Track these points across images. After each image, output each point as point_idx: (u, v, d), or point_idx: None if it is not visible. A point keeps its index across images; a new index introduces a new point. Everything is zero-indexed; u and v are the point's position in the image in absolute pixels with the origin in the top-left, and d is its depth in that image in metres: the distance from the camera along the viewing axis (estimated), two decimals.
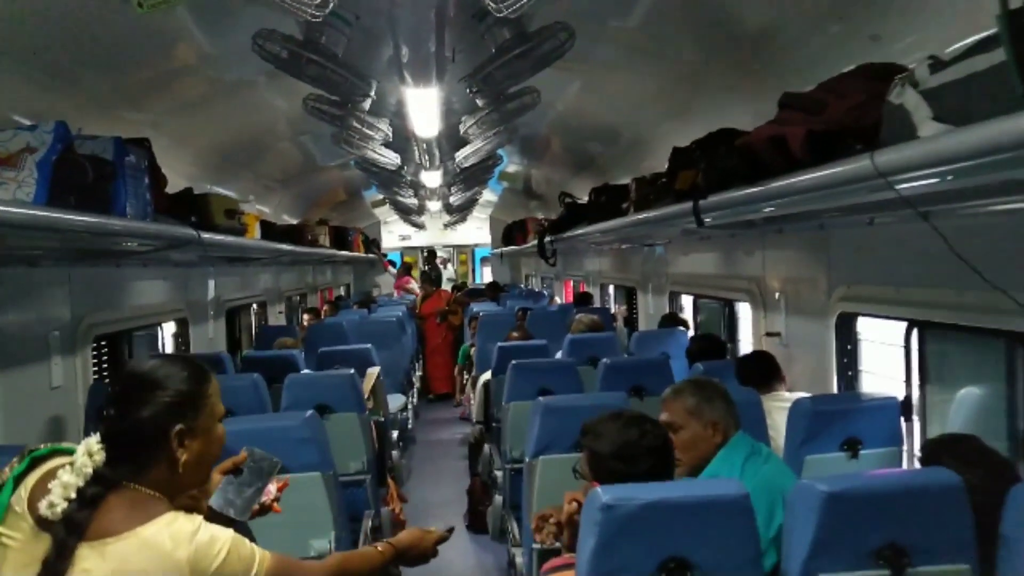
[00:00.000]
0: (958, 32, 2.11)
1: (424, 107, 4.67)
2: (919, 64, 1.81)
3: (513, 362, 4.04)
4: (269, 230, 5.97)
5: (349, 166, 7.32)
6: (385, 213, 13.38)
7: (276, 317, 8.47)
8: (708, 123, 3.39)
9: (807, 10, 2.89)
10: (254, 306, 7.92)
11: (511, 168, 8.87)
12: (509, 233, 11.93)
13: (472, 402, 6.21)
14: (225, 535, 1.42)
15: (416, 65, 3.76)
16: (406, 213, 12.23)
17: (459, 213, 12.55)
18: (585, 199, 6.10)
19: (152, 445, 1.45)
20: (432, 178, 8.15)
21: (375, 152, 5.48)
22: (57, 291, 3.66)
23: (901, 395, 2.93)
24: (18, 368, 3.30)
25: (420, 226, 14.26)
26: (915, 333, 2.93)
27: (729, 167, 2.61)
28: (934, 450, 1.92)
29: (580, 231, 5.77)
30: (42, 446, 1.52)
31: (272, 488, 1.77)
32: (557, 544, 2.28)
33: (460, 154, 5.79)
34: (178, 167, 4.55)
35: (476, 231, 15.30)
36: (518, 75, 3.70)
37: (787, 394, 3.27)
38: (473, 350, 7.38)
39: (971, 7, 2.20)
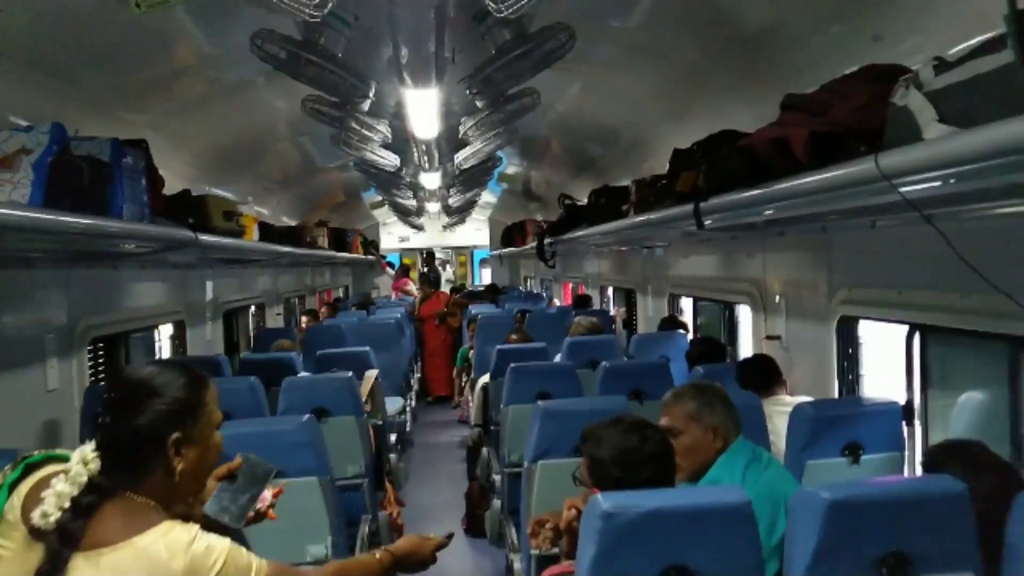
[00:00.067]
0: (961, 33, 2.08)
1: (423, 108, 4.65)
2: (923, 65, 1.79)
3: (512, 365, 4.01)
4: (267, 232, 5.95)
5: (348, 167, 7.30)
6: (384, 215, 13.36)
7: (274, 319, 8.45)
8: (709, 124, 3.37)
9: (808, 11, 2.87)
10: (252, 308, 7.89)
11: (510, 170, 8.85)
12: (508, 235, 11.91)
13: (470, 405, 6.18)
14: (222, 544, 1.39)
15: (415, 66, 3.74)
16: (405, 215, 12.21)
17: (458, 215, 12.53)
18: (585, 201, 6.08)
19: (148, 453, 1.42)
20: (431, 180, 8.13)
21: (374, 153, 5.46)
22: (53, 293, 3.64)
23: (901, 399, 2.91)
24: (13, 371, 3.28)
25: (419, 228, 14.24)
26: (917, 337, 2.91)
27: (731, 169, 2.59)
28: (938, 456, 1.89)
29: (579, 233, 5.75)
30: (36, 452, 1.50)
31: (267, 494, 1.75)
32: (555, 550, 2.26)
33: (459, 155, 5.77)
34: (176, 168, 4.53)
35: (475, 233, 15.28)
36: (518, 76, 3.68)
37: (788, 398, 3.25)
38: (472, 352, 7.36)
39: (974, 9, 2.19)
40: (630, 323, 7.30)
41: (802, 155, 2.11)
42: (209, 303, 6.02)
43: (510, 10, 2.50)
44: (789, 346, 3.79)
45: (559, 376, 3.98)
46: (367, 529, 3.61)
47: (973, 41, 1.73)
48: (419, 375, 9.77)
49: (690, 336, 5.37)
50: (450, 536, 1.90)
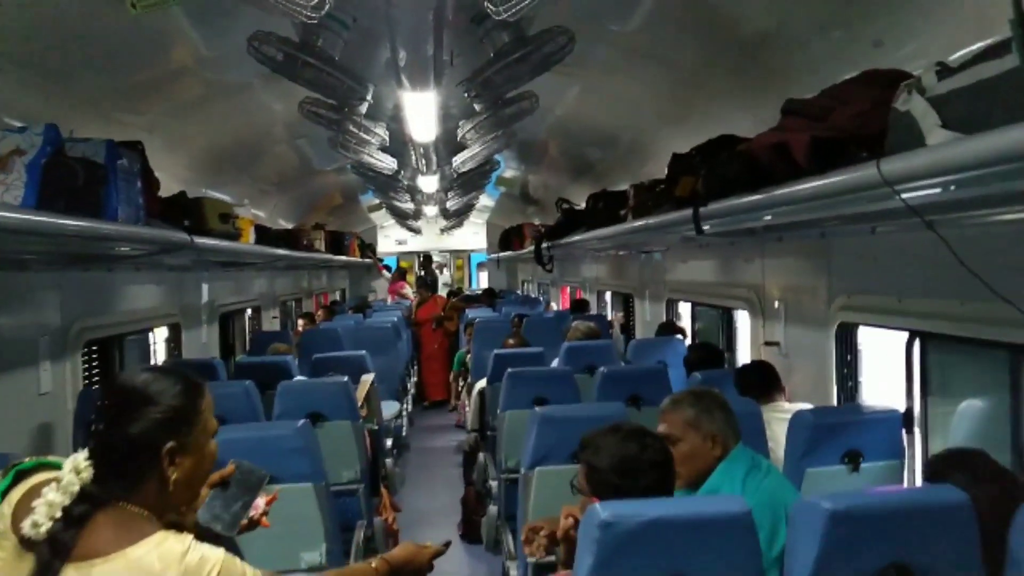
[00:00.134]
0: (962, 39, 2.08)
1: (422, 111, 4.63)
2: (926, 70, 1.77)
3: (509, 370, 3.99)
4: (264, 234, 5.93)
5: (345, 170, 7.28)
6: (381, 218, 13.35)
7: (270, 322, 8.41)
8: (708, 129, 3.36)
9: (809, 16, 2.86)
10: (248, 311, 7.86)
11: (508, 173, 8.84)
12: (506, 238, 11.89)
13: (467, 409, 6.15)
14: (216, 555, 1.36)
15: (414, 69, 3.72)
16: (403, 218, 12.19)
17: (456, 218, 12.51)
18: (583, 205, 6.06)
19: (142, 462, 1.39)
20: (429, 183, 8.11)
21: (372, 156, 5.44)
22: (47, 295, 3.61)
23: (900, 406, 2.89)
24: (5, 374, 3.25)
25: (417, 231, 14.22)
26: (917, 344, 2.89)
27: (730, 174, 2.57)
28: (940, 465, 1.87)
29: (577, 237, 5.73)
30: (27, 459, 1.47)
31: (260, 502, 1.72)
32: (551, 558, 2.23)
33: (457, 159, 5.76)
34: (172, 170, 4.51)
35: (473, 236, 15.26)
36: (517, 79, 3.67)
37: (787, 405, 3.23)
38: (469, 356, 7.33)
39: (975, 14, 2.18)
40: (628, 328, 7.28)
41: (803, 160, 2.09)
42: (205, 306, 5.99)
43: (509, 12, 2.48)
44: (788, 352, 3.77)
45: (556, 381, 3.96)
46: (362, 535, 3.57)
47: (976, 46, 1.72)
48: (415, 379, 9.74)
49: (688, 341, 5.35)
50: (447, 544, 1.88)
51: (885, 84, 2.03)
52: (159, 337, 5.42)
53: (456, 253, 16.33)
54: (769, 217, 2.51)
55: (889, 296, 2.87)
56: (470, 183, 8.14)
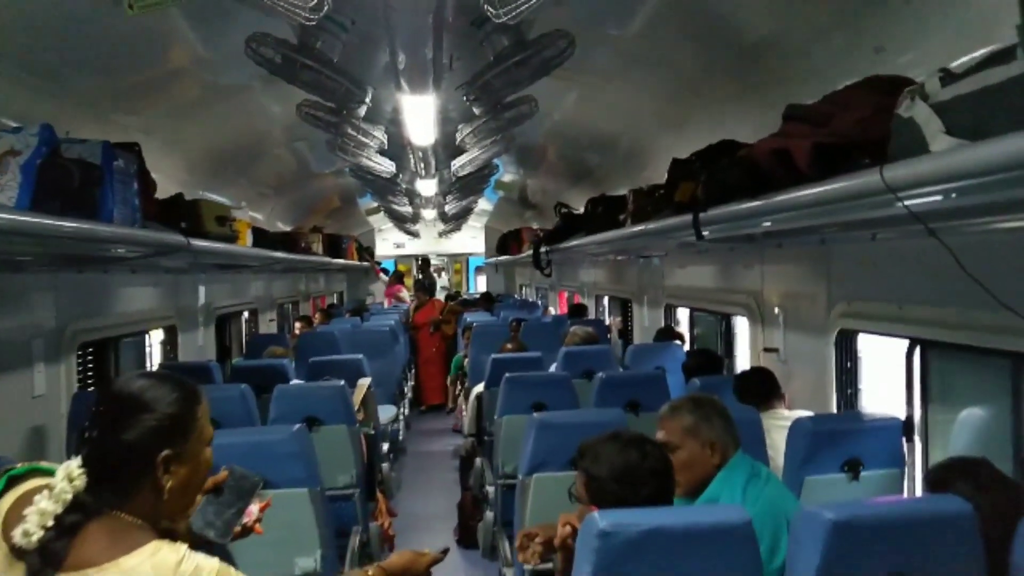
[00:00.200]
0: (964, 45, 2.07)
1: (420, 115, 4.62)
2: (929, 76, 1.76)
3: (507, 375, 3.97)
4: (261, 237, 5.90)
5: (344, 173, 7.26)
6: (380, 221, 13.33)
7: (267, 325, 8.38)
8: (707, 134, 3.34)
9: (809, 21, 2.85)
10: (245, 314, 7.83)
11: (507, 177, 8.83)
12: (504, 243, 11.87)
13: (464, 414, 6.13)
14: (211, 564, 1.34)
15: (413, 72, 3.71)
16: (401, 221, 12.17)
17: (454, 222, 12.50)
18: (581, 210, 6.05)
19: (136, 471, 1.36)
20: (427, 186, 8.10)
21: (370, 160, 5.43)
22: (41, 297, 3.58)
23: (898, 412, 2.88)
24: None
25: (415, 234, 14.20)
26: (917, 351, 2.87)
27: (731, 180, 2.56)
28: (943, 474, 1.85)
29: (576, 242, 5.72)
30: (19, 465, 1.44)
31: (254, 508, 1.69)
32: (548, 564, 2.20)
33: (456, 163, 5.74)
34: (170, 172, 4.49)
35: (471, 240, 15.25)
36: (517, 83, 3.65)
37: (786, 412, 3.22)
38: (466, 361, 7.31)
39: (978, 20, 2.17)
40: (626, 333, 7.27)
41: (805, 166, 2.08)
42: (201, 308, 5.96)
43: (509, 15, 2.46)
44: (787, 359, 3.75)
45: (554, 387, 3.94)
46: (357, 540, 3.55)
47: (980, 52, 1.71)
48: (413, 383, 9.71)
49: (686, 347, 5.33)
50: (445, 551, 1.85)
51: (887, 90, 2.02)
52: (155, 339, 5.39)
53: (454, 257, 16.31)
54: (769, 223, 2.49)
55: (889, 303, 2.86)
56: (468, 187, 8.13)
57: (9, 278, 3.28)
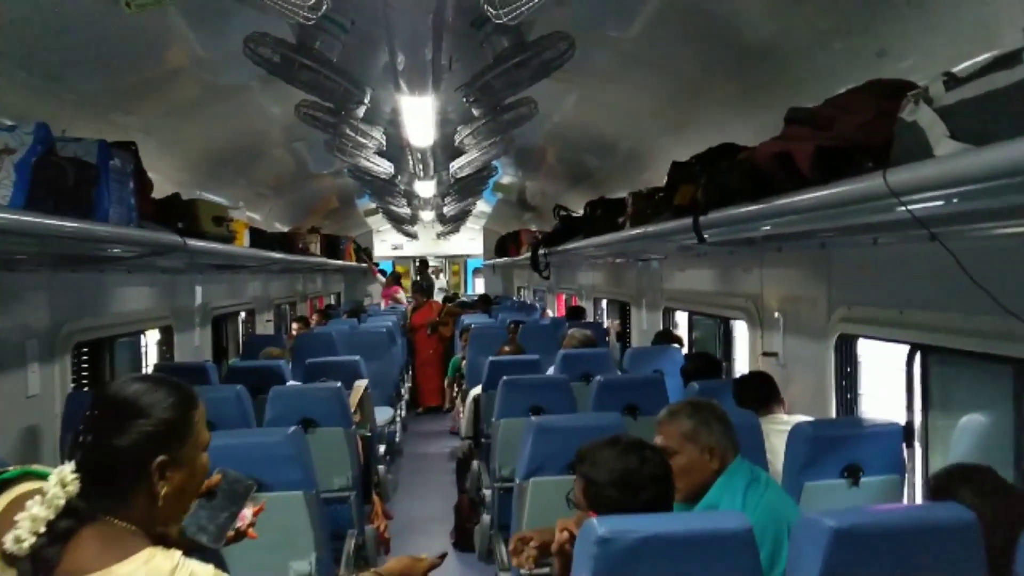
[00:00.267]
0: (967, 49, 2.06)
1: (419, 116, 4.59)
2: (933, 80, 1.74)
3: (504, 378, 3.95)
4: (259, 237, 5.87)
5: (342, 174, 7.24)
6: (378, 222, 13.30)
7: (264, 326, 8.35)
8: (707, 138, 3.33)
9: (811, 24, 2.83)
10: (242, 314, 7.80)
11: (506, 179, 8.81)
12: (502, 245, 11.86)
13: (462, 416, 6.11)
14: (205, 572, 1.31)
15: (412, 73, 3.68)
16: (399, 223, 12.15)
17: (452, 223, 12.48)
18: (580, 212, 6.03)
19: (131, 477, 1.34)
20: (426, 188, 8.07)
21: (368, 161, 5.41)
22: (36, 296, 3.56)
23: (896, 416, 2.86)
24: None
25: (413, 236, 14.17)
26: (918, 357, 2.86)
27: (732, 183, 2.54)
28: (945, 481, 1.83)
29: (574, 244, 5.70)
30: (12, 468, 1.42)
31: (248, 512, 1.67)
32: (545, 570, 2.18)
33: (455, 164, 5.72)
34: (167, 172, 4.47)
35: (469, 242, 15.22)
36: (516, 85, 3.63)
37: (786, 417, 3.20)
38: (464, 363, 7.29)
39: (981, 24, 2.16)
40: (624, 336, 7.25)
41: (807, 170, 2.06)
42: (198, 308, 5.93)
43: (509, 16, 2.44)
44: (786, 363, 3.74)
45: (552, 390, 3.92)
46: (353, 543, 3.53)
47: (983, 56, 1.69)
48: (410, 385, 9.68)
49: (685, 351, 5.32)
50: (443, 556, 1.83)
51: (890, 94, 2.01)
52: (151, 340, 5.36)
53: (452, 258, 16.29)
54: (770, 227, 2.48)
55: (890, 308, 2.84)
56: (467, 189, 8.11)
57: (3, 277, 3.26)
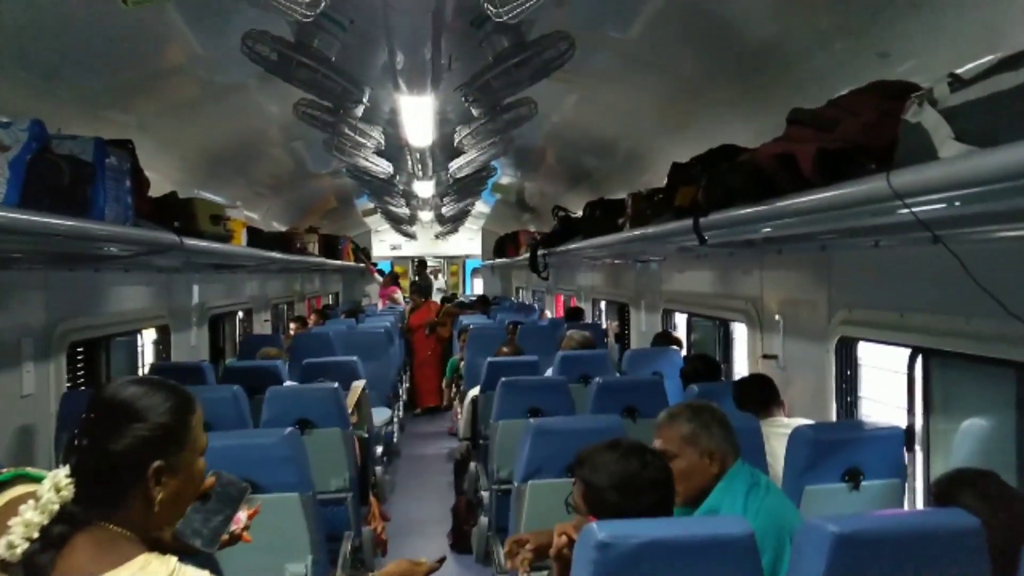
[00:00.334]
0: (969, 52, 2.04)
1: (418, 115, 4.58)
2: (938, 82, 1.73)
3: (503, 379, 3.93)
4: (256, 237, 5.84)
5: (341, 174, 7.22)
6: (376, 222, 13.28)
7: (262, 325, 8.33)
8: (707, 139, 3.31)
9: (812, 26, 2.82)
10: (240, 314, 7.77)
11: (504, 180, 8.79)
12: (501, 245, 11.84)
13: (460, 417, 6.09)
14: None
15: (411, 72, 3.67)
16: (397, 223, 12.13)
17: (451, 224, 12.46)
18: (579, 213, 6.02)
19: (127, 482, 1.31)
20: (425, 188, 8.05)
21: (367, 160, 5.38)
22: (31, 295, 3.54)
23: (895, 419, 2.85)
24: None
25: (411, 236, 14.15)
26: (919, 360, 2.84)
27: (733, 184, 2.52)
28: (949, 487, 1.81)
29: (574, 245, 5.68)
30: (5, 470, 1.39)
31: (242, 516, 1.64)
32: (543, 573, 2.16)
33: (454, 164, 5.70)
34: (164, 171, 4.44)
35: (468, 242, 15.21)
36: (516, 85, 3.61)
37: (786, 420, 3.18)
38: (462, 363, 7.27)
39: (985, 26, 2.14)
40: (623, 338, 7.23)
41: (809, 171, 2.04)
42: (195, 308, 5.91)
43: (510, 15, 2.42)
44: (786, 366, 3.72)
45: (551, 391, 3.90)
46: (350, 545, 3.50)
47: (988, 58, 1.68)
48: (408, 385, 9.66)
49: (684, 353, 5.30)
50: (442, 560, 1.81)
51: (893, 95, 1.99)
52: (147, 339, 5.33)
53: (451, 259, 16.27)
54: (772, 229, 2.46)
55: (891, 311, 2.83)
56: (466, 189, 8.09)
57: None
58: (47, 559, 1.23)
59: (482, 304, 11.20)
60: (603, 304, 8.41)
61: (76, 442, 1.33)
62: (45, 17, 2.70)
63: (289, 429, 2.88)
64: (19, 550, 1.23)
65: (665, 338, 5.47)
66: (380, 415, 6.25)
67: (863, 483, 2.55)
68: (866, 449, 2.56)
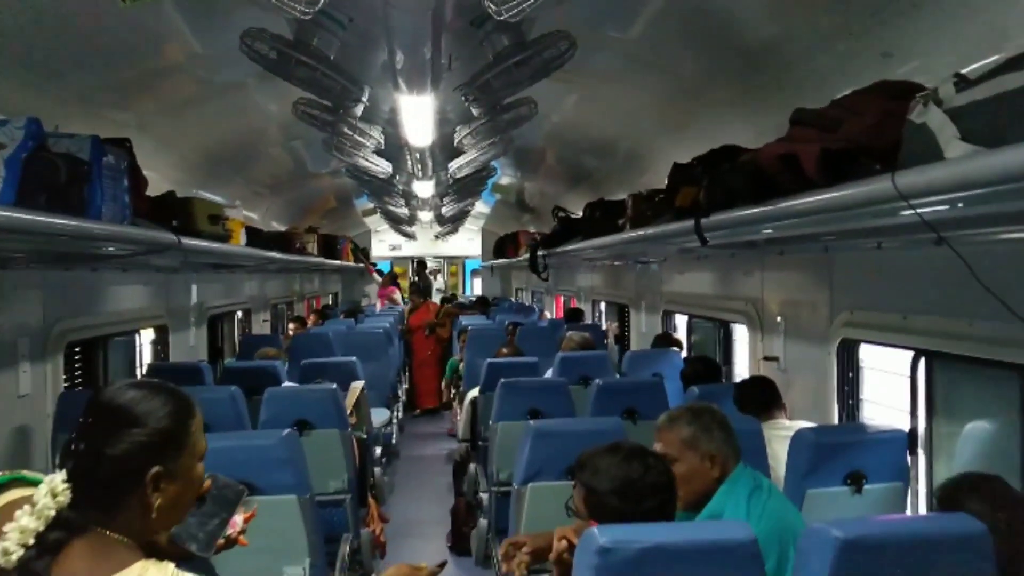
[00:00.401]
0: (973, 52, 2.02)
1: (418, 115, 4.56)
2: (943, 81, 1.71)
3: (502, 380, 3.91)
4: (255, 236, 5.82)
5: (340, 174, 7.20)
6: (376, 222, 13.26)
7: (261, 325, 8.31)
8: (708, 139, 3.29)
9: (814, 26, 2.80)
10: (238, 314, 7.75)
11: (504, 180, 8.77)
12: (501, 246, 11.82)
13: (459, 418, 6.06)
14: None
15: (411, 71, 3.65)
16: (397, 223, 12.11)
17: (451, 224, 12.44)
18: (579, 214, 6.00)
19: (124, 488, 1.29)
20: (424, 188, 8.04)
21: (367, 160, 5.36)
22: (27, 295, 3.52)
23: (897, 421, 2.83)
24: None
25: (411, 236, 14.13)
26: (922, 362, 2.82)
27: (735, 184, 2.50)
28: (954, 491, 1.79)
29: (574, 246, 5.66)
30: (1, 473, 1.37)
31: (238, 519, 1.62)
32: None
33: (453, 164, 5.68)
34: (162, 170, 4.42)
35: (467, 243, 15.19)
36: (516, 84, 3.59)
37: (787, 422, 3.16)
38: (461, 364, 7.25)
39: (987, 27, 2.12)
40: (623, 339, 7.21)
41: (813, 172, 2.02)
42: (193, 308, 5.88)
43: (510, 12, 2.40)
44: (787, 368, 3.70)
45: (551, 393, 3.88)
46: (348, 547, 3.48)
47: (993, 58, 1.66)
48: (407, 386, 9.64)
49: (684, 354, 5.28)
50: (442, 565, 1.79)
51: (897, 95, 1.97)
52: (145, 339, 5.31)
53: (450, 259, 16.25)
54: (775, 230, 2.44)
55: (894, 313, 2.81)
56: (466, 189, 8.07)
57: None
58: (43, 566, 1.21)
59: (481, 305, 11.18)
60: (603, 305, 8.39)
61: (73, 446, 1.30)
62: (43, 15, 2.68)
63: (287, 430, 2.86)
64: (14, 556, 1.21)
65: (665, 339, 5.45)
66: (379, 416, 6.23)
67: (865, 487, 2.53)
68: (868, 452, 2.54)
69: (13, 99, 2.93)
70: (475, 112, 4.29)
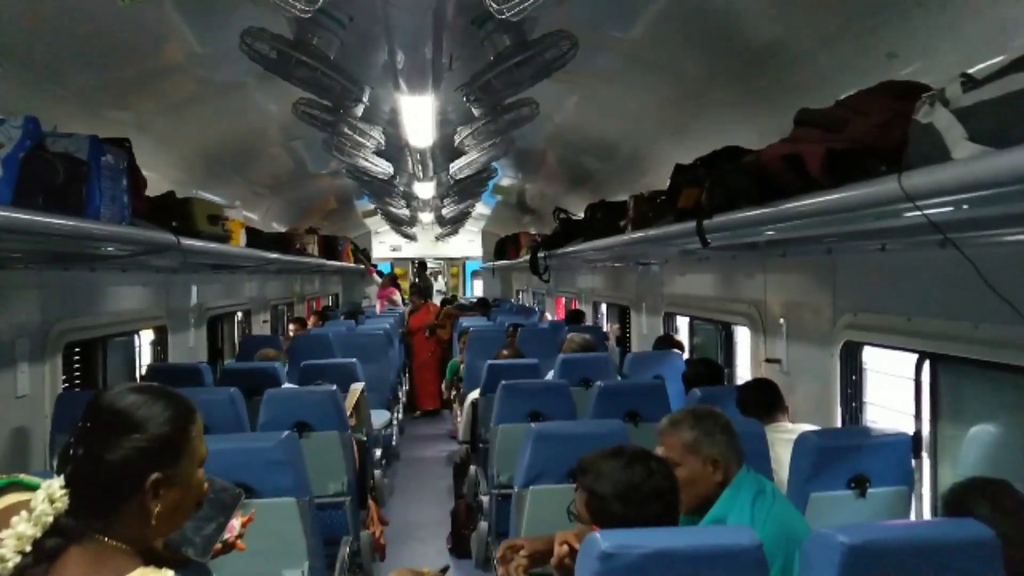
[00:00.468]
0: (977, 52, 2.01)
1: (419, 115, 4.54)
2: (950, 82, 1.69)
3: (503, 382, 3.89)
4: (255, 237, 5.80)
5: (340, 174, 7.18)
6: (376, 223, 13.25)
7: (261, 326, 8.29)
8: (710, 140, 3.28)
9: (816, 27, 2.78)
10: (238, 314, 7.73)
11: (505, 181, 8.76)
12: (501, 247, 11.81)
13: (459, 420, 6.04)
14: None
15: (412, 71, 3.63)
16: (397, 224, 12.09)
17: (451, 225, 12.41)
18: (580, 215, 5.98)
19: (123, 494, 1.26)
20: (425, 189, 8.02)
21: (367, 160, 5.34)
22: (26, 295, 3.50)
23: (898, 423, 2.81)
24: None
25: (412, 237, 14.12)
26: (926, 365, 2.80)
27: (738, 186, 2.48)
28: (960, 496, 1.77)
29: (575, 248, 5.65)
30: None
31: (236, 523, 1.60)
32: None
33: (454, 165, 5.66)
34: (162, 170, 4.41)
35: (468, 244, 15.17)
36: (517, 84, 3.57)
37: (790, 425, 3.13)
38: (462, 366, 7.23)
39: (992, 27, 2.11)
40: (624, 341, 7.19)
41: (817, 173, 2.00)
42: (193, 308, 5.87)
43: (512, 11, 2.38)
44: (790, 370, 3.68)
45: (552, 395, 3.86)
46: (348, 550, 3.46)
47: (1000, 58, 1.64)
48: (407, 388, 9.62)
49: (686, 356, 5.26)
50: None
51: (903, 95, 1.95)
52: (145, 340, 5.29)
53: (451, 261, 16.23)
54: (777, 231, 2.42)
55: (898, 315, 2.79)
56: (467, 190, 8.05)
57: None
58: (39, 572, 1.20)
59: (482, 306, 11.16)
60: (604, 307, 8.37)
61: (72, 451, 1.28)
62: (42, 14, 2.66)
63: (286, 432, 2.84)
64: (11, 563, 1.19)
65: (667, 341, 5.43)
66: (379, 418, 6.21)
67: (869, 490, 2.50)
68: (872, 456, 2.51)
69: (11, 98, 2.91)
70: (476, 112, 4.28)
